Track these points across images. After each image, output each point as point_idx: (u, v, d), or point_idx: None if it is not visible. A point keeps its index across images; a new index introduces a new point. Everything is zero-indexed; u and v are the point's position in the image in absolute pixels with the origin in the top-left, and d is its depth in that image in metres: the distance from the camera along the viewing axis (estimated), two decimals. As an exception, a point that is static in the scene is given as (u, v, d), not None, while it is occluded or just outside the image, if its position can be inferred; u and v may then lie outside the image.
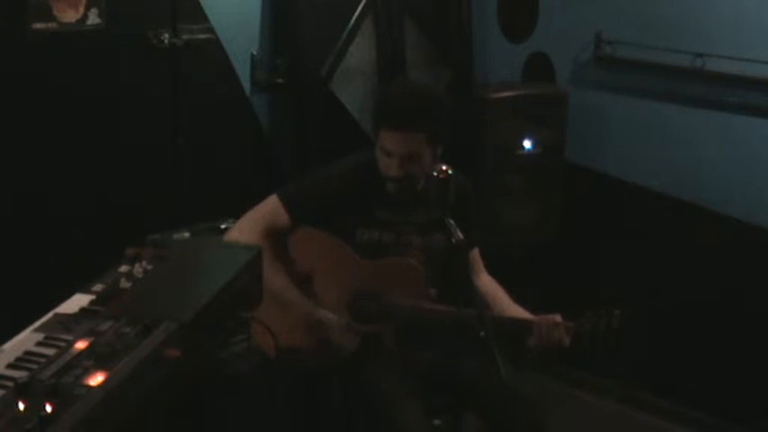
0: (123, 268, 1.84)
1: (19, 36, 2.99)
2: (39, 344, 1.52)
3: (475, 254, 2.66)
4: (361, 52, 3.77)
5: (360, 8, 3.74)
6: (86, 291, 1.76)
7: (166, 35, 3.31)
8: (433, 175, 2.24)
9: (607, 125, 3.80)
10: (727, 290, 3.45)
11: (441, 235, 2.45)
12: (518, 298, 2.57)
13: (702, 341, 3.50)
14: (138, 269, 1.82)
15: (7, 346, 1.53)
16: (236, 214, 2.56)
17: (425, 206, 2.49)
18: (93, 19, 3.14)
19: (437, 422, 2.52)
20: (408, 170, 2.41)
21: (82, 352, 1.45)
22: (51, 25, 3.05)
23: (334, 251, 2.48)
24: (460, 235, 2.17)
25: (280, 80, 3.71)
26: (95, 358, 1.42)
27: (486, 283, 2.64)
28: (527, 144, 3.71)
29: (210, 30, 3.48)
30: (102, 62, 3.20)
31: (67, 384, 1.34)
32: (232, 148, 3.68)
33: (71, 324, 1.58)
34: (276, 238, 2.49)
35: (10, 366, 1.45)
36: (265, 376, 2.63)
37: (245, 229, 2.47)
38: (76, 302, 1.70)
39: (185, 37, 3.36)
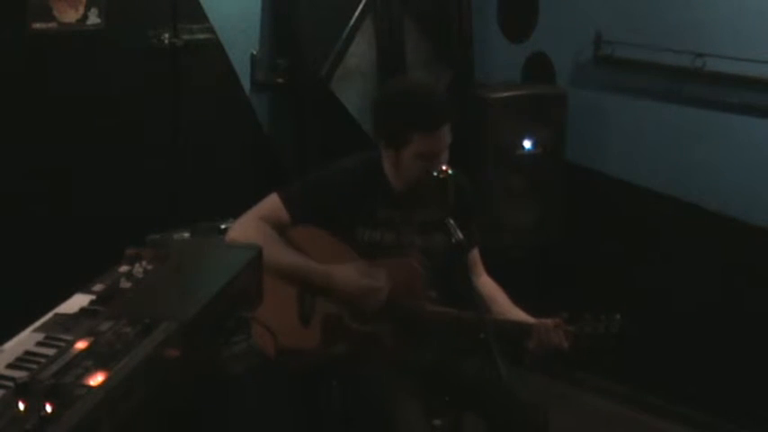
0: (123, 268, 1.84)
1: (19, 36, 2.99)
2: (39, 344, 1.52)
3: (475, 254, 2.66)
4: (361, 52, 3.77)
5: (360, 8, 3.74)
6: (86, 291, 1.75)
7: (166, 35, 3.31)
8: (433, 174, 2.24)
9: (607, 125, 3.79)
10: (727, 290, 3.44)
11: (441, 235, 2.44)
12: (518, 298, 2.56)
13: (702, 341, 3.50)
14: (138, 269, 1.82)
15: (7, 346, 1.52)
16: (236, 214, 2.56)
17: (426, 206, 2.49)
18: (93, 19, 3.15)
19: (437, 422, 2.52)
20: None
21: (82, 352, 1.45)
22: (51, 25, 3.05)
23: (335, 251, 2.48)
24: (460, 235, 2.17)
25: (280, 80, 3.71)
26: (95, 358, 1.42)
27: (486, 284, 2.63)
28: (527, 144, 3.71)
29: (210, 30, 3.48)
30: (102, 62, 3.21)
31: (67, 384, 1.34)
32: (232, 148, 3.68)
33: (71, 324, 1.58)
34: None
35: (10, 366, 1.44)
36: (265, 376, 2.62)
37: (245, 228, 2.47)
38: (76, 302, 1.70)
39: (185, 37, 3.36)
